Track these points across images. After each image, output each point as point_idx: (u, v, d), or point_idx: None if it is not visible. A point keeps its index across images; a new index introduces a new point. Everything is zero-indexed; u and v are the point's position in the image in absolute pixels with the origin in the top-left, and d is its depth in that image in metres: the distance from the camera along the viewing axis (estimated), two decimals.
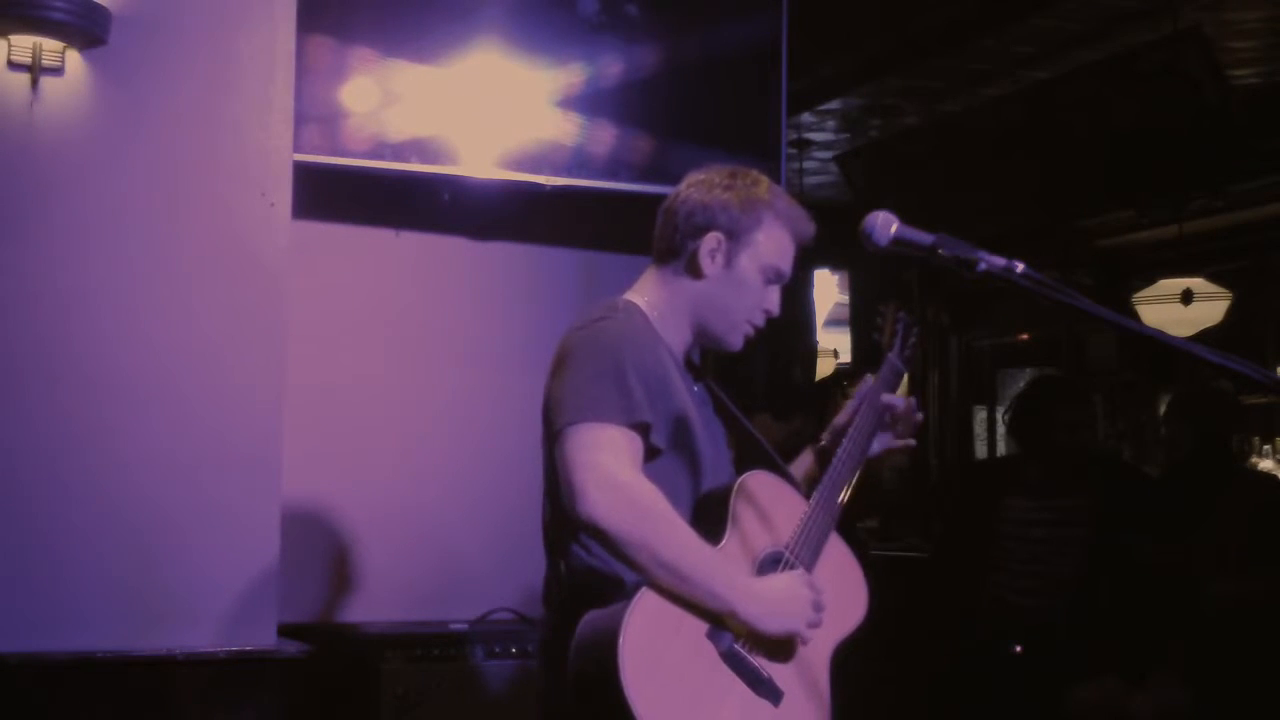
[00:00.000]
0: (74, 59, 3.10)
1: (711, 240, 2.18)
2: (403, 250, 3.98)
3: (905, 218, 1.79)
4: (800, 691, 2.01)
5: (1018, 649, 3.84)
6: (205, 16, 3.24)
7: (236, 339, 3.21)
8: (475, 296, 4.07)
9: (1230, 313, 6.27)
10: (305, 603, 3.72)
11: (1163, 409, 4.51)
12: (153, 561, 3.08)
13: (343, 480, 3.81)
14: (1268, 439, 6.84)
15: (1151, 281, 6.50)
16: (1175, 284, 6.28)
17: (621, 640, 1.83)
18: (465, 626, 3.66)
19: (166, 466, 3.11)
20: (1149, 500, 3.99)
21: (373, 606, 3.81)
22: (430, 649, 3.53)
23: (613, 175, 3.91)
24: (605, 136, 3.90)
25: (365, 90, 3.70)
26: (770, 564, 2.03)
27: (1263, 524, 3.79)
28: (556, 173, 3.83)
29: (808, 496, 2.14)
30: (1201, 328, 6.17)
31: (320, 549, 3.79)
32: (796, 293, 7.76)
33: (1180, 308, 6.19)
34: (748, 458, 2.25)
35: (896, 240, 1.77)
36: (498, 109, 3.80)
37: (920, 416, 2.31)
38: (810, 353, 8.44)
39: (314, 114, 3.58)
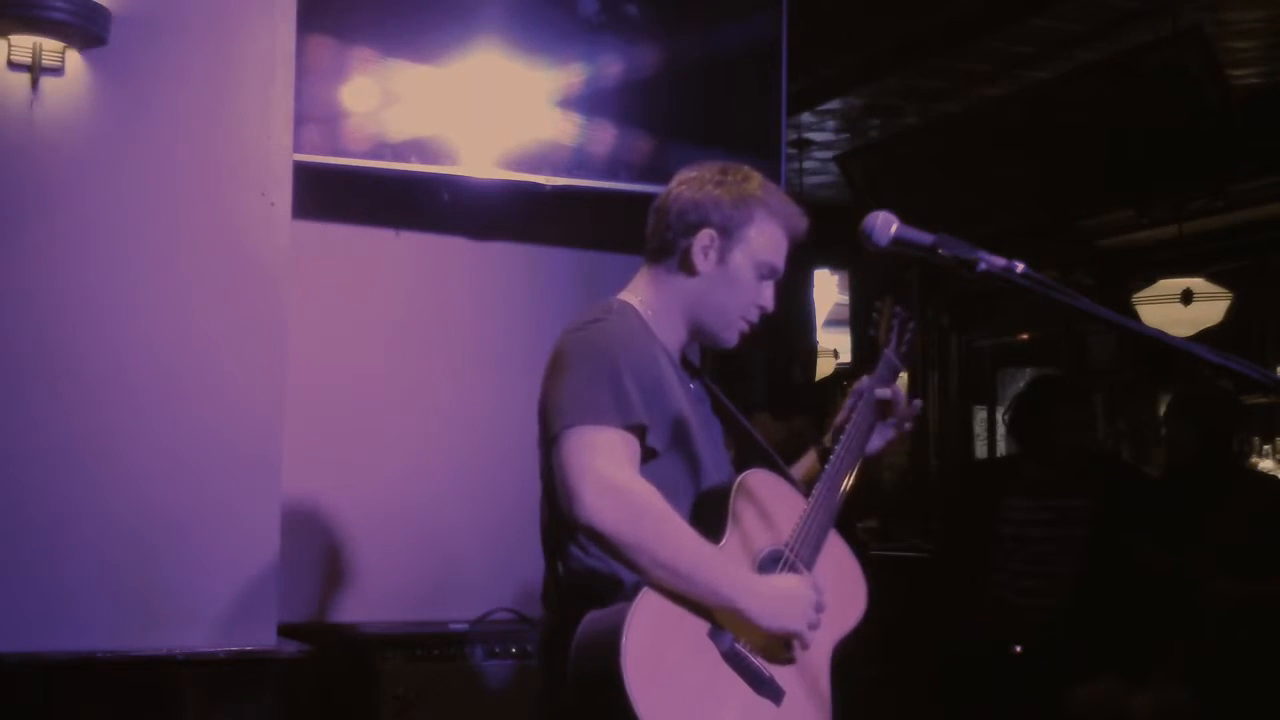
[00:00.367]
0: (74, 59, 3.10)
1: (704, 237, 2.18)
2: (403, 250, 3.98)
3: (905, 218, 1.79)
4: (801, 691, 2.02)
5: (1018, 649, 3.84)
6: (205, 16, 3.24)
7: (236, 339, 3.21)
8: (475, 296, 4.07)
9: (1230, 313, 6.27)
10: (305, 603, 3.72)
11: (1163, 409, 4.51)
12: (153, 561, 3.08)
13: (343, 480, 3.81)
14: (1268, 439, 6.84)
15: (1151, 281, 6.50)
16: (1175, 284, 6.28)
17: (624, 640, 1.83)
18: (465, 626, 3.66)
19: (167, 466, 3.11)
20: (1149, 500, 4.00)
21: (372, 606, 3.81)
22: (430, 649, 3.53)
23: (613, 175, 3.91)
24: (605, 136, 3.90)
25: (365, 90, 3.70)
26: (770, 562, 2.03)
27: (1263, 524, 3.79)
28: (556, 173, 3.83)
29: (807, 495, 2.14)
30: (1201, 328, 6.16)
31: (320, 549, 3.79)
32: (796, 292, 7.76)
33: (1180, 308, 6.19)
34: (746, 456, 2.25)
35: (896, 240, 1.78)
36: (498, 109, 3.80)
37: (919, 404, 2.31)
38: (810, 352, 8.44)
39: (314, 114, 3.58)
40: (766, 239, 2.21)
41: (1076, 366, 8.09)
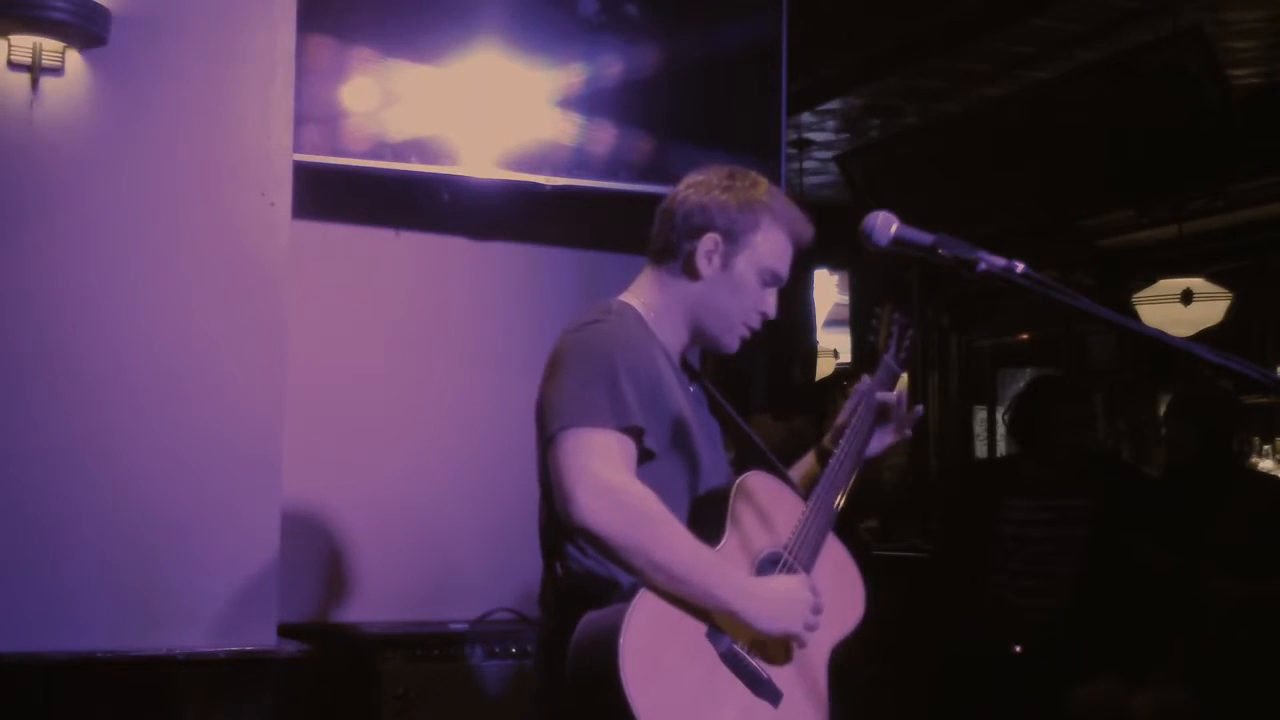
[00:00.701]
0: (74, 59, 3.10)
1: (709, 242, 2.18)
2: (403, 250, 3.97)
3: (905, 218, 1.79)
4: (799, 692, 2.02)
5: (1018, 649, 3.84)
6: (205, 16, 3.24)
7: (236, 339, 3.21)
8: (475, 296, 4.07)
9: (1230, 313, 6.27)
10: (305, 602, 3.72)
11: (1163, 409, 4.51)
12: (153, 561, 3.08)
13: (342, 480, 3.81)
14: (1268, 439, 6.84)
15: (1151, 281, 6.50)
16: (1175, 284, 6.28)
17: (622, 641, 1.83)
18: (465, 626, 3.66)
19: (167, 466, 3.11)
20: (1149, 500, 4.00)
21: (372, 606, 3.81)
22: (430, 649, 3.53)
23: (613, 175, 3.91)
24: (605, 136, 3.90)
25: (365, 90, 3.70)
26: (769, 564, 2.03)
27: (1263, 524, 3.79)
28: (556, 173, 3.83)
29: (806, 497, 2.14)
30: (1201, 328, 6.17)
31: (320, 549, 3.79)
32: (796, 293, 7.76)
33: (1180, 308, 6.19)
34: (745, 458, 2.25)
35: (896, 240, 1.78)
36: (498, 109, 3.80)
37: (920, 410, 2.31)
38: (810, 353, 8.44)
39: (314, 114, 3.58)
40: (771, 245, 2.20)
41: (1076, 366, 8.09)
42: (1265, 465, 6.66)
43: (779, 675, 1.99)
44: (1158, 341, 1.68)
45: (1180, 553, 3.80)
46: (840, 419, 2.29)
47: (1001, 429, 8.40)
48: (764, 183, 2.24)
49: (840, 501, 2.15)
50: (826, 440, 2.32)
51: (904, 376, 2.39)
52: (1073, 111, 5.86)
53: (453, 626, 3.66)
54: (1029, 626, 3.86)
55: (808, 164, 7.82)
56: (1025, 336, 8.88)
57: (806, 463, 2.36)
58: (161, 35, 3.19)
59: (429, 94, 3.74)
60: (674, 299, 2.21)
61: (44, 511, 3.00)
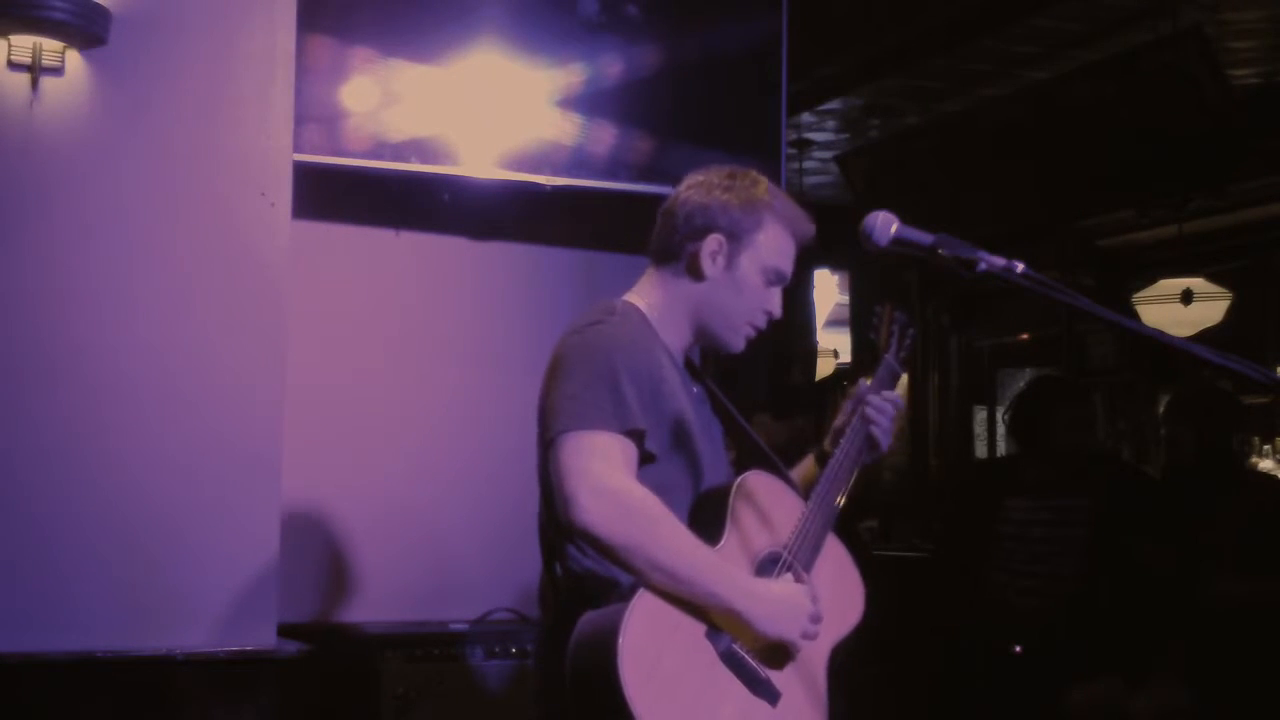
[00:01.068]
0: (74, 59, 3.10)
1: (712, 242, 2.18)
2: (403, 250, 3.97)
3: (905, 218, 1.79)
4: (798, 692, 2.02)
5: (1018, 649, 3.84)
6: (205, 16, 3.24)
7: (236, 339, 3.21)
8: (475, 296, 4.07)
9: (1230, 313, 6.27)
10: (305, 603, 3.72)
11: (1163, 409, 4.51)
12: (153, 561, 3.08)
13: (342, 480, 3.81)
14: (1268, 439, 6.84)
15: (1151, 281, 6.50)
16: (1175, 284, 6.28)
17: (620, 640, 1.83)
18: (465, 626, 3.66)
19: (166, 466, 3.11)
20: (1149, 500, 3.99)
21: (372, 606, 3.81)
22: (430, 649, 3.53)
23: (613, 175, 3.91)
24: (605, 136, 3.90)
25: (365, 90, 3.70)
26: (769, 564, 2.03)
27: (1263, 524, 3.79)
28: (556, 173, 3.83)
29: (806, 498, 2.14)
30: (1201, 328, 6.16)
31: (320, 549, 3.79)
32: (796, 293, 7.76)
33: (1180, 308, 6.18)
34: (746, 458, 2.25)
35: (896, 240, 1.78)
36: (498, 109, 3.80)
37: (901, 402, 2.30)
38: (810, 353, 8.45)
39: (314, 114, 3.58)
40: (774, 244, 2.20)
41: (1076, 366, 8.09)
42: (1265, 465, 6.65)
43: (777, 675, 1.99)
44: (1158, 341, 1.68)
45: (1180, 553, 3.80)
46: (839, 421, 2.29)
47: (1001, 429, 8.40)
48: (764, 181, 2.24)
49: (841, 500, 2.15)
50: (826, 443, 2.32)
51: (904, 377, 2.39)
52: (1073, 111, 5.86)
53: (453, 626, 3.66)
54: (1029, 626, 3.86)
55: (808, 164, 7.82)
56: (1025, 336, 8.88)
57: (806, 464, 2.36)
58: (161, 35, 3.19)
59: (429, 94, 3.74)
60: (678, 300, 2.21)
61: (44, 511, 3.01)
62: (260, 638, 3.15)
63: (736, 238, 2.18)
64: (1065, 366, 8.08)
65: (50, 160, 3.08)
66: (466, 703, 3.51)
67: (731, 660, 1.95)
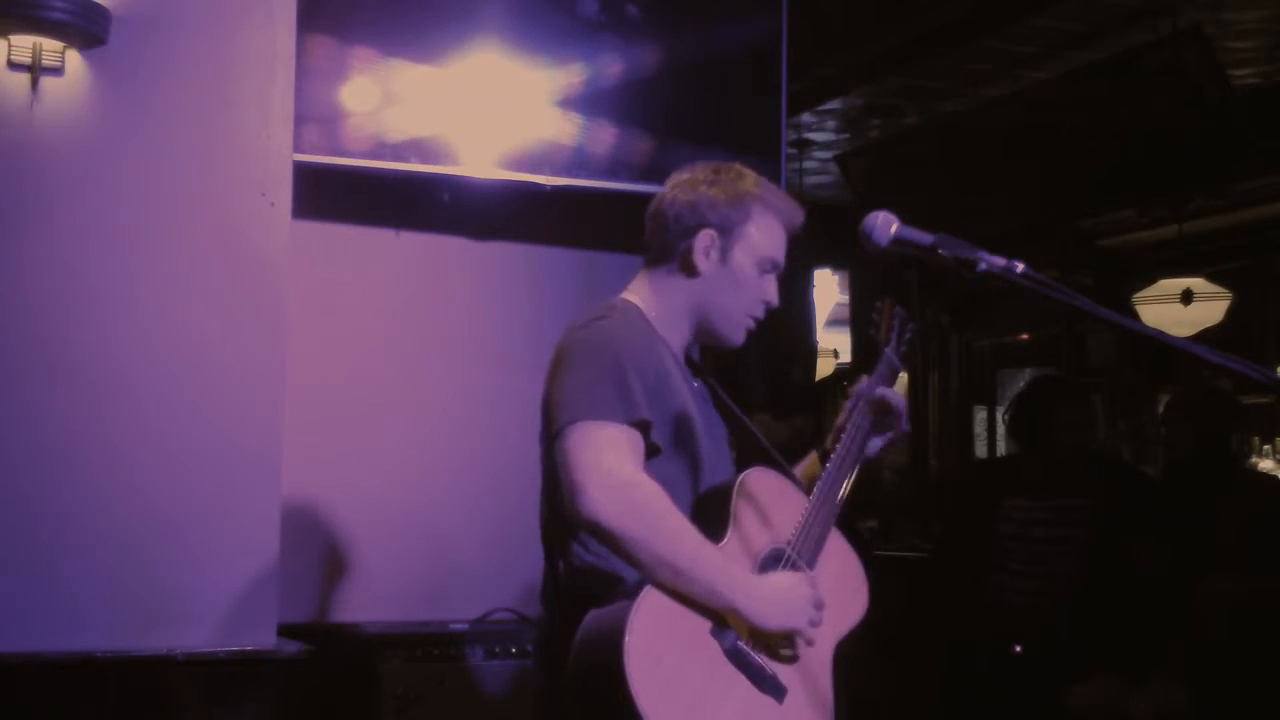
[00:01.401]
0: (74, 59, 3.10)
1: (705, 238, 2.18)
2: (403, 250, 3.97)
3: (905, 218, 1.79)
4: (803, 689, 2.02)
5: (1018, 649, 3.84)
6: (205, 16, 3.24)
7: (236, 339, 3.21)
8: (475, 296, 4.07)
9: (1230, 313, 6.27)
10: (305, 603, 3.72)
11: (1163, 409, 4.51)
12: (153, 561, 3.08)
13: (343, 480, 3.81)
14: (1268, 439, 6.84)
15: (1151, 281, 6.50)
16: (1175, 284, 6.28)
17: (627, 637, 1.83)
18: (465, 626, 3.66)
19: (166, 466, 3.11)
20: (1149, 500, 3.99)
21: (372, 606, 3.81)
22: (430, 649, 3.53)
23: (613, 175, 3.91)
24: (605, 136, 3.90)
25: (365, 90, 3.70)
26: (771, 561, 2.03)
27: (1262, 524, 3.79)
28: (556, 173, 3.83)
29: (808, 494, 2.14)
30: (1201, 328, 6.16)
31: (320, 549, 3.79)
32: (796, 293, 7.75)
33: (1180, 308, 6.19)
34: (748, 455, 2.25)
35: (896, 240, 1.78)
36: (498, 109, 3.80)
37: (906, 428, 2.29)
38: (810, 353, 8.44)
39: (314, 114, 3.58)
40: (765, 234, 2.21)
41: (1076, 366, 8.09)
42: (1265, 465, 6.65)
43: (783, 671, 1.99)
44: (1158, 341, 1.68)
45: (1179, 553, 3.80)
46: (840, 418, 2.29)
47: (1001, 429, 8.40)
48: (750, 174, 2.25)
49: (844, 496, 2.14)
50: (827, 442, 2.32)
51: (903, 375, 2.38)
52: (1073, 111, 5.86)
53: (453, 626, 3.66)
54: (1029, 626, 3.86)
55: (808, 164, 7.81)
56: (1025, 336, 8.88)
57: (809, 462, 2.36)
58: (161, 35, 3.19)
59: (429, 94, 3.74)
60: (675, 299, 2.21)
61: (44, 511, 3.01)
62: (260, 638, 3.15)
63: (727, 231, 2.19)
64: (1065, 366, 8.08)
65: (50, 160, 3.08)
66: (466, 703, 3.51)
67: (737, 657, 1.95)
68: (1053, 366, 8.24)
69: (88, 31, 3.05)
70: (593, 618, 1.93)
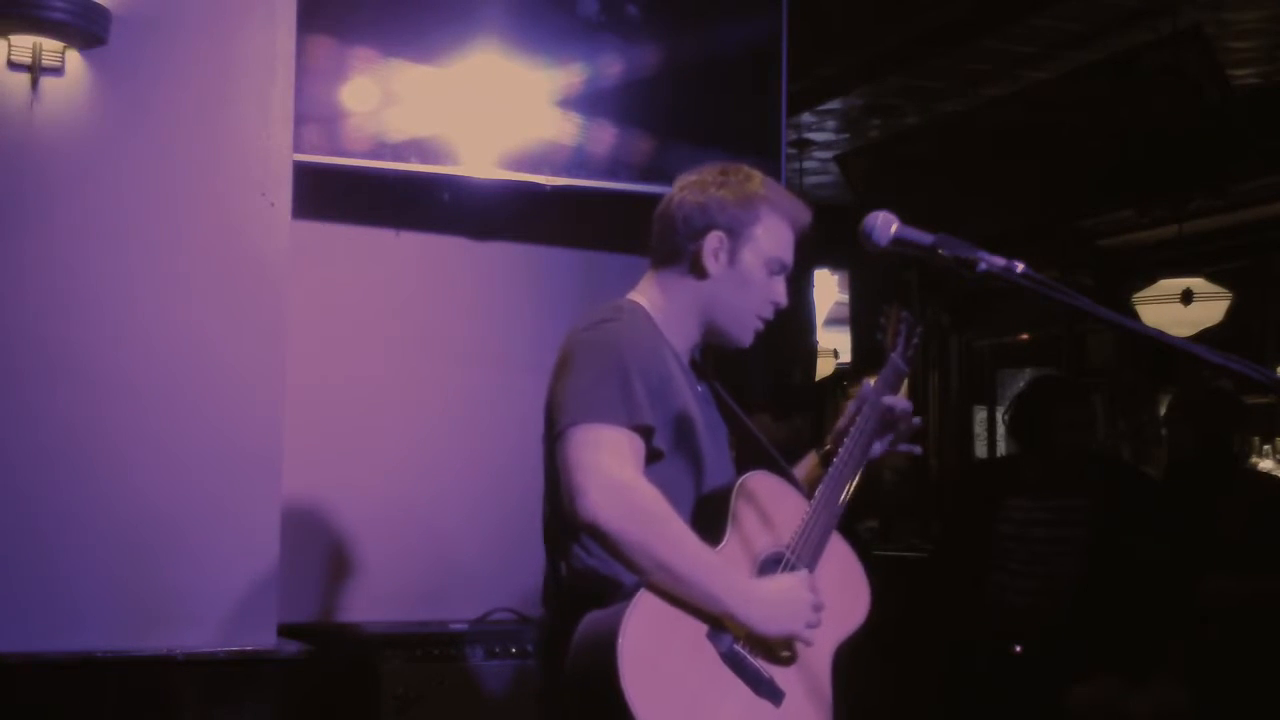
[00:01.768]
0: (74, 59, 3.10)
1: (714, 240, 2.19)
2: (403, 250, 3.98)
3: (905, 218, 1.79)
4: (801, 692, 2.01)
5: (1018, 649, 3.84)
6: (205, 16, 3.24)
7: (236, 339, 3.21)
8: (475, 296, 4.08)
9: (1230, 313, 6.27)
10: (305, 603, 3.72)
11: (1163, 409, 4.51)
12: (153, 561, 3.08)
13: (343, 480, 3.81)
14: (1268, 439, 6.84)
15: (1151, 281, 6.50)
16: (1175, 284, 6.28)
17: (621, 640, 1.83)
18: (465, 626, 3.66)
19: (166, 466, 3.11)
20: (1149, 500, 3.99)
21: (373, 606, 3.81)
22: (430, 649, 3.53)
23: (613, 175, 3.91)
24: (605, 136, 3.90)
25: (365, 90, 3.70)
26: (771, 564, 2.03)
27: (1263, 524, 3.79)
28: (556, 173, 3.83)
29: (809, 498, 2.14)
30: (1201, 328, 6.16)
31: (320, 549, 3.79)
32: (796, 292, 7.75)
33: (1180, 308, 6.19)
34: (750, 458, 2.25)
35: (896, 240, 1.78)
36: (498, 109, 3.80)
37: (918, 421, 2.30)
38: (810, 353, 8.44)
39: (314, 114, 3.58)
40: (773, 235, 2.21)
41: (1076, 366, 8.09)
42: (1265, 465, 6.66)
43: (781, 675, 1.99)
44: (1158, 341, 1.68)
45: (1180, 553, 3.80)
46: (842, 422, 2.28)
47: (1001, 429, 8.40)
48: (757, 175, 2.25)
49: (845, 500, 2.14)
50: (828, 444, 2.32)
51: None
52: (1073, 111, 5.86)
53: (453, 626, 3.66)
54: (1029, 626, 3.86)
55: (808, 164, 7.82)
56: (1025, 336, 8.88)
57: (809, 464, 2.36)
58: (161, 35, 3.19)
59: (429, 94, 3.74)
60: (683, 300, 2.21)
61: (44, 511, 3.01)
62: (260, 638, 3.15)
63: (736, 233, 2.19)
64: (1065, 366, 8.08)
65: (50, 160, 3.08)
66: (466, 703, 3.51)
67: (734, 660, 1.95)
68: (1053, 366, 8.24)
69: (88, 31, 3.05)
70: (589, 620, 1.93)
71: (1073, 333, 8.10)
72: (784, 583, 2.01)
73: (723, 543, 1.99)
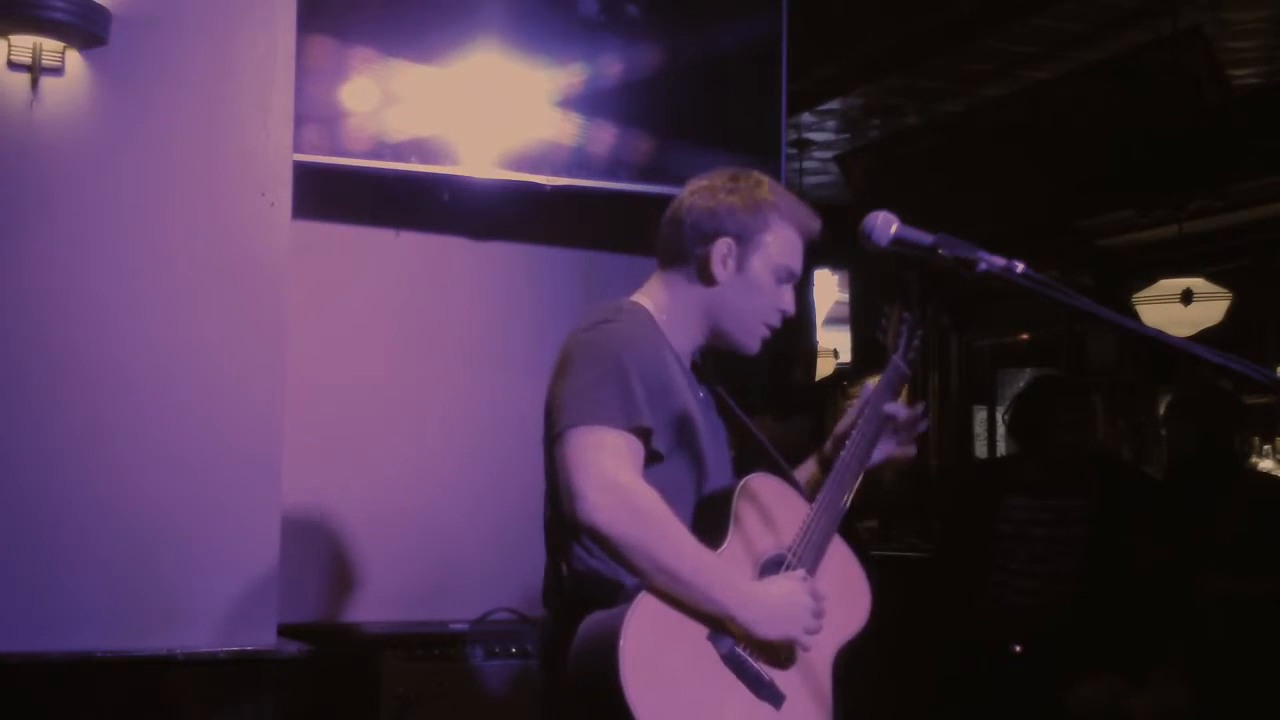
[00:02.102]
0: (74, 59, 3.10)
1: (723, 246, 2.18)
2: (403, 250, 3.98)
3: (905, 218, 1.79)
4: (802, 695, 2.01)
5: (1018, 649, 3.84)
6: (205, 16, 3.24)
7: (236, 339, 3.21)
8: (475, 296, 4.08)
9: (1230, 313, 6.27)
10: (305, 603, 3.72)
11: (1163, 409, 4.51)
12: (153, 561, 3.08)
13: (343, 480, 3.81)
14: (1268, 439, 6.83)
15: (1151, 281, 6.50)
16: (1175, 284, 6.28)
17: (622, 642, 1.83)
18: (465, 626, 3.66)
19: (166, 466, 3.11)
20: (1149, 500, 4.00)
21: (373, 606, 3.81)
22: (430, 649, 3.53)
23: (613, 175, 3.91)
24: (605, 136, 3.90)
25: (365, 90, 3.70)
26: (772, 567, 2.03)
27: (1263, 523, 3.79)
28: (556, 173, 3.83)
29: (810, 500, 2.14)
30: (1201, 328, 6.16)
31: (320, 549, 3.79)
32: (797, 293, 7.74)
33: (1180, 308, 6.19)
34: (751, 460, 2.24)
35: (896, 240, 1.78)
36: (498, 109, 3.80)
37: (924, 426, 2.30)
38: (810, 353, 8.43)
39: (314, 114, 3.58)
40: (782, 242, 2.21)
41: (1076, 366, 8.09)
42: (1265, 465, 6.65)
43: (781, 677, 1.99)
44: (1158, 341, 1.68)
45: (1180, 552, 3.80)
46: (843, 424, 2.28)
47: (1001, 429, 8.39)
48: (767, 181, 2.25)
49: (847, 503, 2.14)
50: (828, 446, 2.32)
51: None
52: (1073, 111, 5.86)
53: (453, 626, 3.66)
54: (1029, 626, 3.86)
55: (808, 164, 7.81)
56: (1025, 336, 8.87)
57: (808, 468, 2.36)
58: (161, 35, 3.19)
59: (429, 94, 3.74)
60: (689, 304, 2.21)
61: (44, 511, 3.00)
62: (260, 638, 3.15)
63: (745, 240, 2.19)
64: (1065, 366, 8.08)
65: (50, 160, 3.08)
66: (466, 703, 3.51)
67: (734, 662, 1.94)
68: (1053, 366, 8.24)
69: (88, 31, 3.05)
70: (590, 622, 1.93)
71: (1073, 333, 8.09)
72: (784, 585, 2.01)
73: (724, 544, 1.99)
